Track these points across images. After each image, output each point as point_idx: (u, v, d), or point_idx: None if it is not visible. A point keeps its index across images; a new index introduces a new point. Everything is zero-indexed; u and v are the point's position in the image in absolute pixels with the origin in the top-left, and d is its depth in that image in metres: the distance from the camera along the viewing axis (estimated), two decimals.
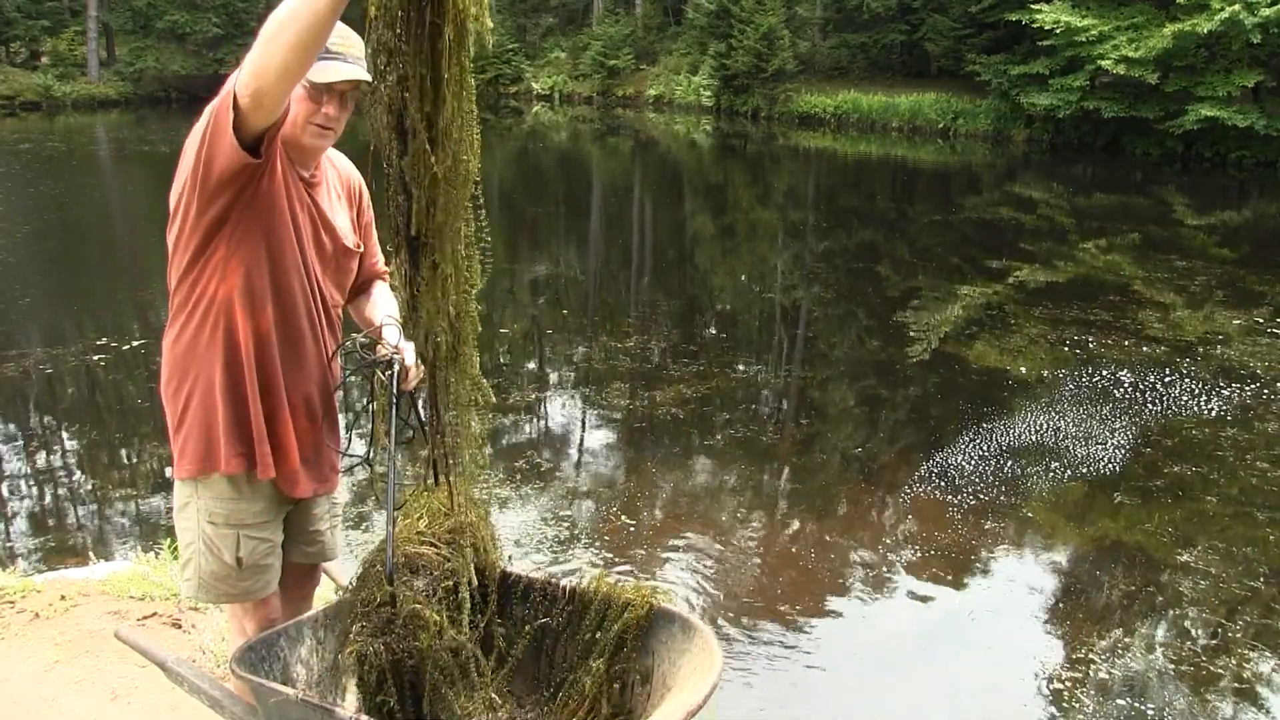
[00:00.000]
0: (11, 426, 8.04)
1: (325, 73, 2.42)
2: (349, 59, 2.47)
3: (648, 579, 5.60)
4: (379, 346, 2.61)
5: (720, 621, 5.25)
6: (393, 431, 2.50)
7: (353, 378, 2.74)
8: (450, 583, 2.46)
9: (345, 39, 2.48)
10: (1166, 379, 8.94)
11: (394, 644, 2.32)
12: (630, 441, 7.87)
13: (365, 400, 2.68)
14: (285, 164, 2.49)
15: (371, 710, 2.33)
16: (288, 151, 2.50)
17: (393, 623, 2.34)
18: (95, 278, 13.24)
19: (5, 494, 6.86)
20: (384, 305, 2.84)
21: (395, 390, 2.52)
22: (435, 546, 2.47)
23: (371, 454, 2.60)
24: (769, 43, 33.02)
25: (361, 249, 2.81)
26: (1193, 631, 5.27)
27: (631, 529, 6.25)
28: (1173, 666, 4.98)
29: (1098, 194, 21.28)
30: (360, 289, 2.90)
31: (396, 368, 2.53)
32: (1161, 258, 14.31)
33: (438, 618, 2.35)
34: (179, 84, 39.24)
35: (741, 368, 9.47)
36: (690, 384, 8.79)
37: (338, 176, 2.75)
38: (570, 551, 5.95)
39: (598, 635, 2.58)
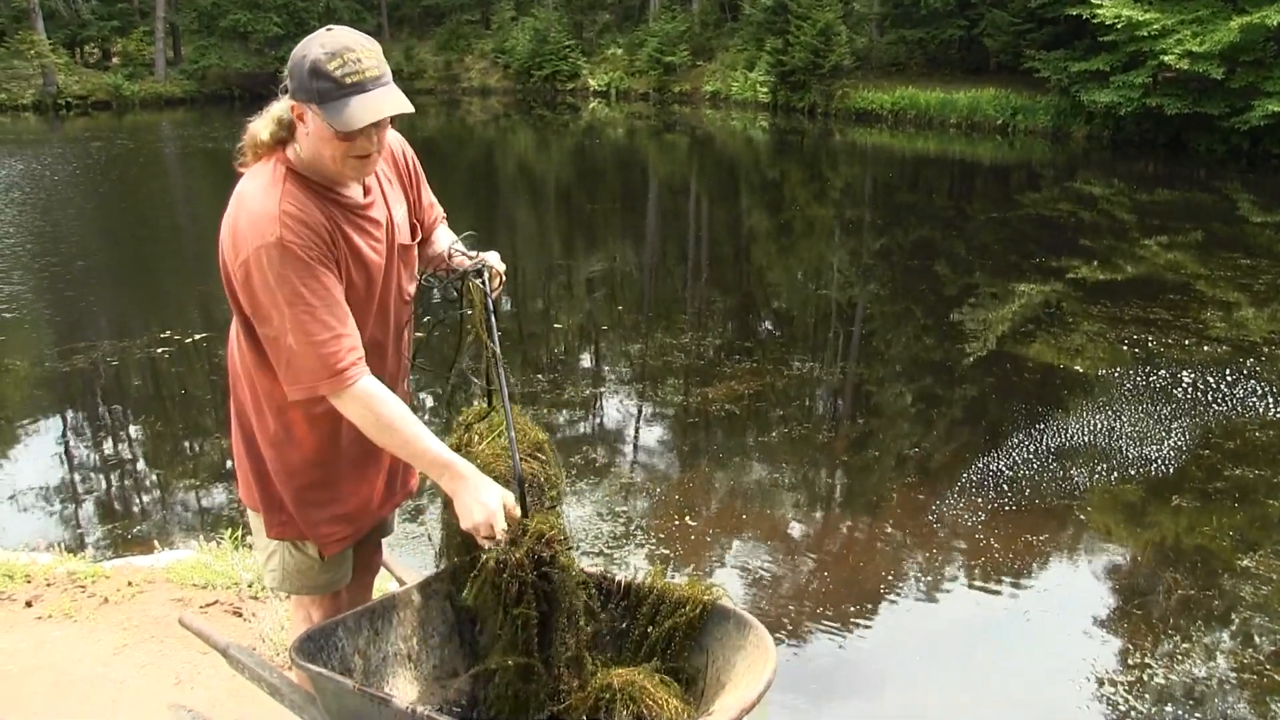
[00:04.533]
0: (81, 417, 8.24)
1: (351, 118, 2.17)
2: (373, 82, 2.20)
3: (702, 575, 5.61)
4: (455, 260, 2.62)
5: (772, 617, 5.25)
6: (494, 333, 2.51)
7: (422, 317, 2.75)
8: (554, 491, 2.48)
9: (361, 54, 2.20)
10: (1229, 379, 8.78)
11: (535, 554, 2.31)
12: (685, 438, 7.88)
13: (444, 314, 2.70)
14: (340, 229, 2.33)
15: (506, 624, 2.32)
16: (331, 176, 2.34)
17: (526, 535, 2.32)
18: (159, 271, 13.51)
19: (76, 481, 7.04)
20: (446, 238, 2.76)
21: (489, 293, 2.54)
22: (526, 460, 2.48)
23: (462, 360, 2.61)
24: (826, 39, 32.79)
25: (419, 235, 2.68)
26: (1256, 638, 5.18)
27: (686, 525, 6.27)
28: (1234, 674, 4.90)
29: (1160, 190, 20.91)
30: (424, 240, 2.76)
31: (487, 274, 2.56)
32: (1225, 255, 14.03)
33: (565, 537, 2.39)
34: (241, 82, 39.90)
35: (797, 365, 9.45)
36: (745, 381, 8.79)
37: (385, 157, 2.54)
38: (625, 547, 5.99)
39: (650, 630, 2.59)
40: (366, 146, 2.26)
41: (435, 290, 2.71)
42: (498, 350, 2.50)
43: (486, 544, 2.27)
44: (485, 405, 2.67)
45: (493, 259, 2.61)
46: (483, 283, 2.54)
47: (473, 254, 2.62)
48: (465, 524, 2.28)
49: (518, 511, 2.31)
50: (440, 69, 44.89)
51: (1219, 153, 25.02)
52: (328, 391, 2.25)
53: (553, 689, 2.37)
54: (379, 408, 2.27)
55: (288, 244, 2.19)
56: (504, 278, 2.66)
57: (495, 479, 2.37)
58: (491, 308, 2.52)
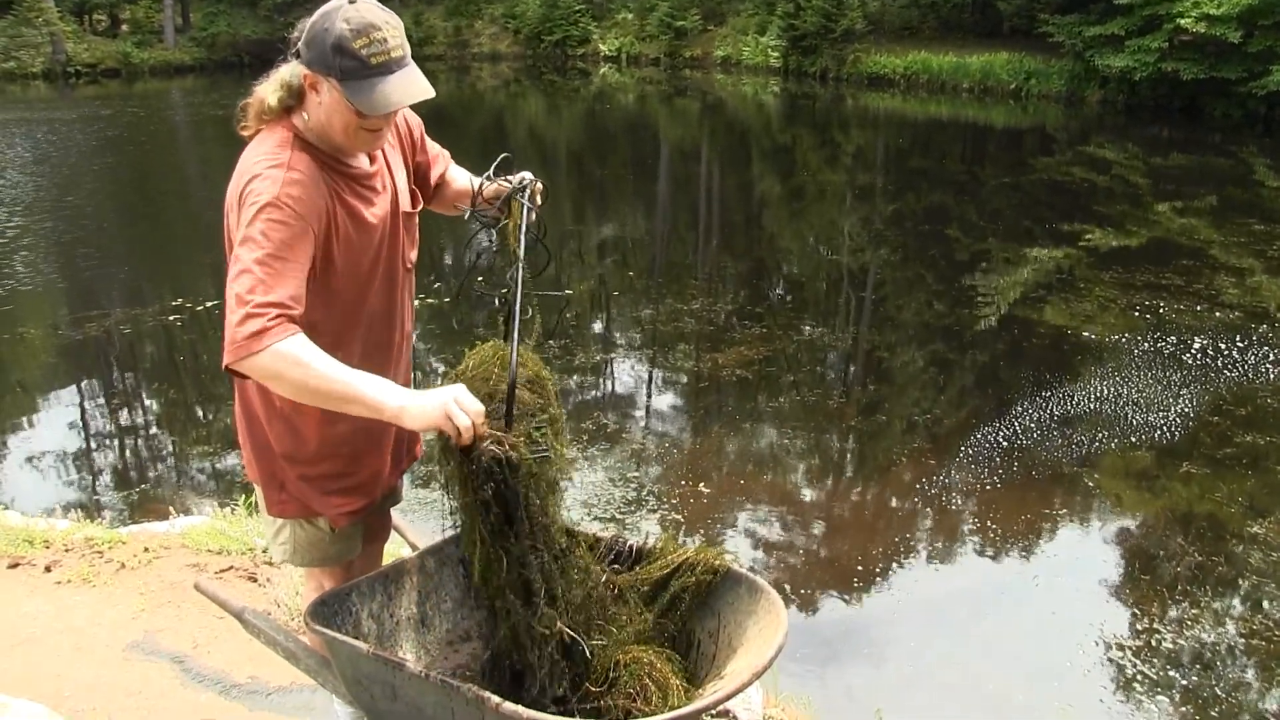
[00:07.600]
0: (96, 385, 8.29)
1: (379, 102, 2.14)
2: (397, 63, 2.16)
3: (714, 540, 5.64)
4: (490, 190, 2.59)
5: (782, 582, 5.28)
6: (522, 242, 2.47)
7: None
8: (546, 416, 2.39)
9: (387, 33, 2.14)
10: (1241, 345, 8.75)
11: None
12: (696, 403, 7.90)
13: (482, 237, 2.69)
14: (342, 200, 2.28)
15: (500, 528, 2.26)
16: (339, 146, 2.29)
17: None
18: (170, 239, 13.53)
19: (91, 448, 7.10)
20: (463, 175, 2.72)
21: (528, 206, 2.52)
22: (520, 388, 2.36)
23: (516, 270, 2.57)
24: (838, 2, 32.45)
25: (420, 204, 2.60)
26: (1265, 604, 5.20)
27: (697, 490, 6.29)
28: (1242, 640, 4.93)
29: (1174, 155, 20.73)
30: (442, 184, 2.73)
31: (529, 190, 2.54)
32: (1240, 221, 13.93)
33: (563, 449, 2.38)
34: (250, 48, 39.65)
35: (808, 330, 9.44)
36: (756, 346, 8.79)
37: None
38: (637, 513, 6.02)
39: (661, 594, 2.60)
40: (381, 122, 2.22)
41: (477, 221, 2.66)
42: (520, 254, 2.44)
43: (465, 435, 2.09)
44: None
45: (530, 176, 2.56)
46: (526, 198, 2.54)
47: (510, 175, 2.62)
48: (441, 428, 2.09)
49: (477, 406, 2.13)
50: (450, 34, 44.52)
51: (1235, 117, 24.78)
52: (244, 354, 2.02)
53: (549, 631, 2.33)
54: (295, 366, 2.03)
55: (284, 201, 2.13)
56: (545, 191, 2.61)
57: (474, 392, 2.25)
58: (537, 220, 2.52)
